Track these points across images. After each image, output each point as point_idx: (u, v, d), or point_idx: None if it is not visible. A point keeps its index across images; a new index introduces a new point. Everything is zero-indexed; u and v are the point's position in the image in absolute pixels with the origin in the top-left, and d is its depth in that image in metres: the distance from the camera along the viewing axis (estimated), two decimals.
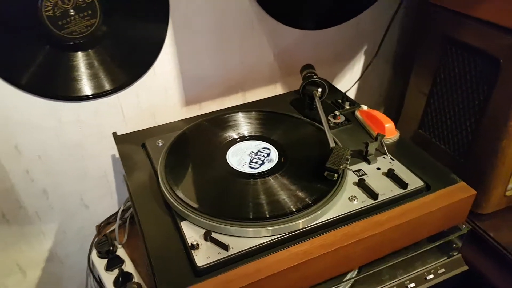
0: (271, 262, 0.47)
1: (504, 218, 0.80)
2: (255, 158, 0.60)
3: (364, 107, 0.72)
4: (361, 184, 0.55)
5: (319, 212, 0.50)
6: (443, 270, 0.62)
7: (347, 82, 0.98)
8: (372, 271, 0.57)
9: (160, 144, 0.65)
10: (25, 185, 0.78)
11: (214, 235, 0.49)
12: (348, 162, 0.55)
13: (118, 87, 0.73)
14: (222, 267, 0.47)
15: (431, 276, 0.61)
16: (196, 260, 0.46)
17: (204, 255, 0.47)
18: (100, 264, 0.75)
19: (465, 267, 0.63)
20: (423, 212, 0.52)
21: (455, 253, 0.62)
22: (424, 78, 0.85)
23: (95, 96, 0.71)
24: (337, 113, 0.70)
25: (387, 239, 0.52)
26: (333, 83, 0.97)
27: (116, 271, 0.71)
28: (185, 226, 0.51)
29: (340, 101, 0.75)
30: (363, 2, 0.87)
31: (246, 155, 0.61)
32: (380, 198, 0.54)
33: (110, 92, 0.72)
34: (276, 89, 0.92)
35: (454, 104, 0.80)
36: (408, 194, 0.55)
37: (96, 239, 0.80)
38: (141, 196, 0.57)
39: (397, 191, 0.55)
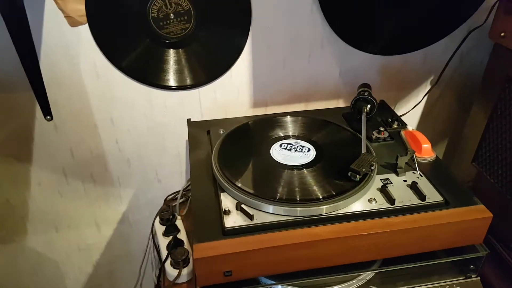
0: (285, 236, 0.55)
1: None
2: (293, 152, 0.69)
3: (409, 128, 0.76)
4: (383, 189, 0.61)
5: (337, 204, 0.58)
6: None
7: (408, 107, 1.02)
8: (386, 270, 0.62)
9: (221, 132, 0.77)
10: (114, 153, 0.96)
11: (243, 206, 0.59)
12: (372, 168, 0.62)
13: (198, 84, 0.88)
14: (245, 232, 0.56)
15: None
16: (225, 223, 0.57)
17: (232, 220, 0.57)
18: (160, 229, 0.89)
19: None
20: (434, 223, 0.57)
21: (473, 275, 0.64)
22: (482, 112, 0.86)
23: (178, 88, 0.87)
24: (381, 129, 0.76)
25: (396, 241, 0.57)
26: (394, 106, 1.02)
27: (171, 237, 0.84)
28: (223, 196, 0.62)
29: (389, 120, 0.81)
30: (432, 36, 0.91)
31: (288, 150, 0.70)
32: (397, 204, 0.59)
33: (189, 87, 0.87)
34: (338, 104, 1.00)
35: (507, 140, 0.80)
36: (425, 205, 0.60)
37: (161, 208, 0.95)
38: (196, 168, 0.69)
39: (415, 201, 0.60)
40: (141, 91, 0.87)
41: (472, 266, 0.64)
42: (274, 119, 0.80)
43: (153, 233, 0.97)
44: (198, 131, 0.80)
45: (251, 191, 0.60)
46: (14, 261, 1.09)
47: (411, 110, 1.00)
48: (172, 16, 0.78)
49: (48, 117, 0.83)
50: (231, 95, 0.92)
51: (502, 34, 0.78)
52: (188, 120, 0.85)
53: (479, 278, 0.65)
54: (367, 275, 0.64)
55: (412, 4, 0.85)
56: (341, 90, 0.97)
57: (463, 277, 0.64)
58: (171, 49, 0.82)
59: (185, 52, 0.83)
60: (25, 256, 1.08)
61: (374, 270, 0.63)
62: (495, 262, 0.81)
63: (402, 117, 0.99)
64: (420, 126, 1.07)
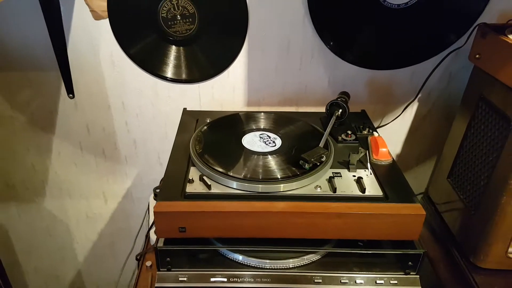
0: (230, 205, 0.64)
1: (502, 280, 0.81)
2: (261, 142, 0.78)
3: (376, 134, 0.83)
4: (330, 180, 0.69)
5: (278, 185, 0.67)
6: (395, 282, 0.69)
7: (389, 120, 1.08)
8: (327, 251, 0.69)
9: (208, 121, 0.88)
10: (123, 133, 1.09)
11: (204, 178, 0.69)
12: (322, 160, 0.70)
13: (197, 79, 1.00)
14: (202, 198, 0.66)
15: (382, 282, 0.69)
16: (186, 189, 0.67)
17: (193, 187, 0.68)
18: (153, 203, 1.00)
19: None
20: (367, 212, 0.64)
21: (411, 272, 0.69)
22: (459, 131, 0.91)
23: (179, 81, 0.99)
24: (349, 132, 0.84)
25: (331, 223, 0.64)
26: (381, 119, 1.08)
27: None
28: (192, 170, 0.72)
29: (361, 126, 0.88)
30: (420, 54, 0.98)
31: (256, 139, 0.79)
32: (338, 192, 0.67)
33: (189, 81, 0.99)
34: None
35: (475, 157, 0.85)
36: (364, 197, 0.67)
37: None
38: (178, 147, 0.80)
39: (356, 192, 0.67)
40: (149, 82, 1.00)
41: (410, 263, 0.69)
42: (252, 114, 0.90)
43: (148, 209, 1.09)
44: (190, 118, 0.92)
45: (213, 166, 0.70)
46: (32, 220, 1.24)
47: (391, 122, 1.06)
48: (179, 17, 0.91)
49: (71, 95, 0.98)
50: (227, 93, 1.03)
51: (477, 56, 0.84)
52: (184, 109, 0.96)
53: (418, 276, 0.70)
54: (312, 256, 0.71)
55: (400, 24, 0.92)
56: (329, 97, 1.04)
57: (403, 273, 0.69)
58: (176, 46, 0.95)
59: (189, 50, 0.96)
60: (42, 216, 1.23)
61: (314, 249, 0.70)
62: (457, 277, 0.85)
63: (383, 128, 1.07)
64: (408, 141, 1.13)
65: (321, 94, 1.05)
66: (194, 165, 0.73)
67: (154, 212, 0.63)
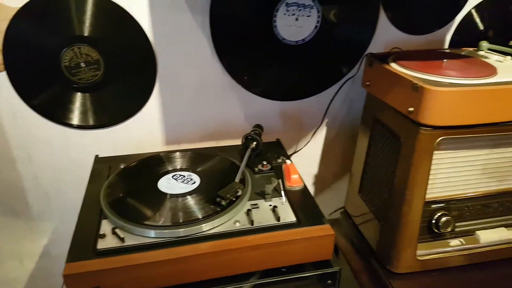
0: (150, 255, 0.63)
1: (416, 281, 0.89)
2: (171, 183, 0.79)
3: (288, 162, 0.88)
4: (248, 213, 0.72)
5: (200, 226, 0.67)
6: None
7: (303, 145, 1.15)
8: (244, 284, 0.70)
9: (122, 167, 0.87)
10: (32, 187, 1.02)
11: (116, 230, 0.67)
12: (238, 195, 0.72)
13: (109, 123, 0.98)
14: (116, 252, 0.64)
15: None
16: (98, 245, 0.65)
17: (105, 242, 0.66)
18: None
19: None
20: (283, 239, 0.66)
21: None
22: (362, 149, 1.00)
23: (83, 127, 0.96)
24: (264, 162, 0.87)
25: (250, 256, 0.66)
26: (296, 145, 1.15)
27: None
28: (104, 222, 0.70)
29: (276, 156, 0.93)
30: (322, 85, 1.06)
31: (173, 181, 0.80)
32: (256, 224, 0.69)
33: (94, 127, 0.97)
34: None
35: (378, 173, 0.93)
36: (280, 225, 0.70)
37: None
38: (88, 199, 0.77)
39: (272, 221, 0.70)
40: (56, 130, 0.96)
41: (329, 281, 0.73)
42: (168, 155, 0.90)
43: None
44: (102, 166, 0.89)
45: (126, 216, 0.69)
46: None
47: (304, 147, 1.13)
48: (83, 64, 0.89)
49: None
50: (143, 134, 1.02)
51: (368, 83, 0.93)
52: (96, 156, 0.94)
53: None
54: None
55: (300, 58, 1.00)
56: (248, 130, 1.08)
57: None
58: (82, 93, 0.93)
59: (96, 95, 0.94)
60: None
61: (239, 284, 0.71)
62: (378, 286, 0.91)
63: (298, 152, 1.12)
64: (323, 162, 1.20)
65: (239, 127, 1.08)
66: (106, 218, 0.71)
67: (63, 275, 0.60)
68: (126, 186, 0.80)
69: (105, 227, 0.69)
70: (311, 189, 1.24)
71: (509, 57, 0.92)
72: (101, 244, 0.65)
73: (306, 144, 1.13)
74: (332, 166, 1.22)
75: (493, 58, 0.94)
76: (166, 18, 0.91)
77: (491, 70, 0.83)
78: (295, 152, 1.15)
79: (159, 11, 0.90)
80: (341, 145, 1.18)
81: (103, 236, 0.66)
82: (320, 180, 1.23)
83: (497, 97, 0.75)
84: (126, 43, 0.91)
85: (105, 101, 0.95)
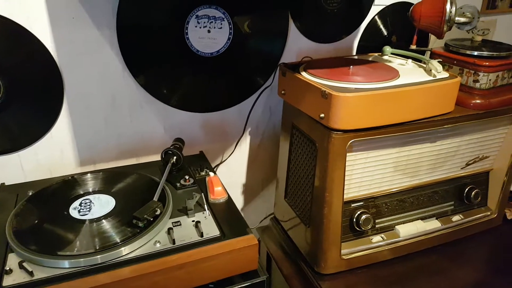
0: (63, 287, 0.59)
1: (343, 280, 0.92)
2: (84, 208, 0.74)
3: (211, 174, 0.87)
4: (169, 231, 0.69)
5: (116, 251, 0.64)
6: None
7: (228, 155, 1.15)
8: None
9: (30, 194, 0.80)
10: None
11: (24, 264, 0.61)
12: (157, 214, 0.70)
13: (8, 150, 0.90)
14: None
15: None
16: (3, 282, 0.59)
17: (12, 279, 0.60)
18: None
19: None
20: (207, 255, 0.65)
21: None
22: (284, 155, 1.02)
23: None
24: (186, 177, 0.85)
25: (175, 276, 0.64)
26: (220, 155, 1.14)
27: None
28: (11, 256, 0.64)
29: (199, 169, 0.91)
30: (241, 94, 1.07)
31: (86, 205, 0.75)
32: (178, 243, 0.67)
33: (4, 152, 0.89)
34: None
35: (300, 177, 0.95)
36: (204, 241, 0.68)
37: None
38: None
39: (195, 238, 0.69)
40: None
41: None
42: (79, 177, 0.85)
43: None
44: (9, 194, 0.81)
45: (35, 248, 0.63)
46: None
47: (229, 157, 1.13)
48: None
49: None
50: (54, 157, 0.95)
51: (283, 92, 0.96)
52: (2, 184, 0.85)
53: None
54: None
55: (216, 69, 1.00)
56: (168, 144, 1.06)
57: None
58: None
59: None
60: None
61: None
62: None
63: (224, 163, 1.12)
64: (250, 170, 1.21)
65: (159, 142, 1.05)
66: (12, 251, 0.65)
67: None
68: (35, 214, 0.73)
69: (12, 261, 0.63)
70: (240, 199, 1.24)
71: (410, 60, 0.99)
72: (7, 281, 0.59)
73: (231, 154, 1.13)
74: (259, 174, 1.23)
75: (396, 62, 1.01)
76: (70, 34, 0.86)
77: (394, 74, 0.89)
78: (221, 163, 1.14)
79: (61, 27, 0.85)
80: (266, 152, 1.19)
81: (10, 271, 0.60)
82: (249, 188, 1.24)
83: (400, 98, 0.81)
84: (27, 62, 0.85)
85: (7, 125, 0.87)
